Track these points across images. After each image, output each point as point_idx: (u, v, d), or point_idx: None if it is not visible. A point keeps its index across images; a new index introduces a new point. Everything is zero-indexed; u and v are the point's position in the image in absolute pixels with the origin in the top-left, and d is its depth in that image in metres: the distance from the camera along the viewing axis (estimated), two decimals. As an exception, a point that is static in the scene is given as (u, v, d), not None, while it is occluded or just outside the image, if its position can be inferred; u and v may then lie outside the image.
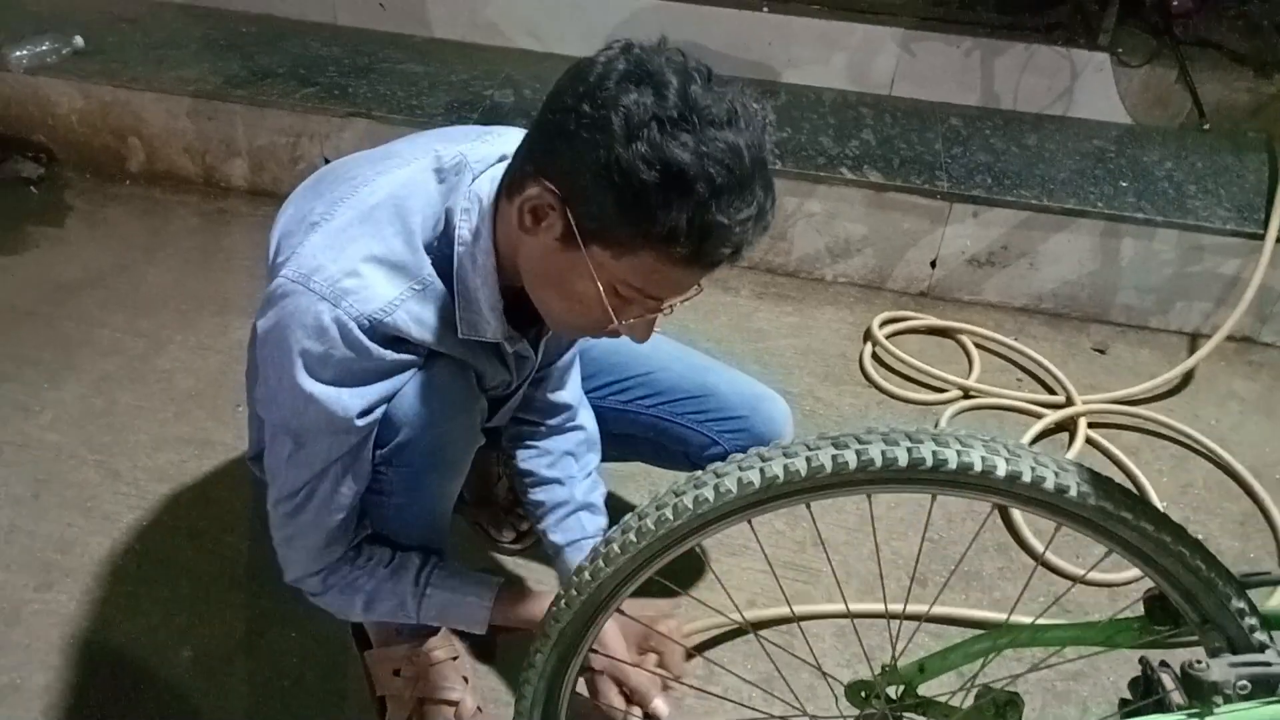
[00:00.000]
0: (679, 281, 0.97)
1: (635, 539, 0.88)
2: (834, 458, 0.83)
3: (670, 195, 0.86)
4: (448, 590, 1.23)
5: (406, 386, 1.08)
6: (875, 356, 2.18)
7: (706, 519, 0.87)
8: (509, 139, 1.11)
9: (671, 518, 0.86)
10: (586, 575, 0.91)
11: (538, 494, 1.40)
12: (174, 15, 2.90)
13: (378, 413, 1.07)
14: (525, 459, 1.41)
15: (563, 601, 0.93)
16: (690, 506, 0.86)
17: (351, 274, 1.00)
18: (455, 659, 1.36)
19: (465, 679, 1.36)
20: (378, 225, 1.03)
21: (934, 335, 2.27)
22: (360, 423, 1.05)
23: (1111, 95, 2.58)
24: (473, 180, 1.05)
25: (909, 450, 0.82)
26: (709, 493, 0.85)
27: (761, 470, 0.84)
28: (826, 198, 2.32)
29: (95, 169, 2.64)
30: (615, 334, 1.04)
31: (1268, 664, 0.82)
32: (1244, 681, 0.81)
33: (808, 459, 0.83)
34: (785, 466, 0.84)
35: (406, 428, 1.08)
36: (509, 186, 1.01)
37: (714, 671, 1.44)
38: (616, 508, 1.69)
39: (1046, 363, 2.15)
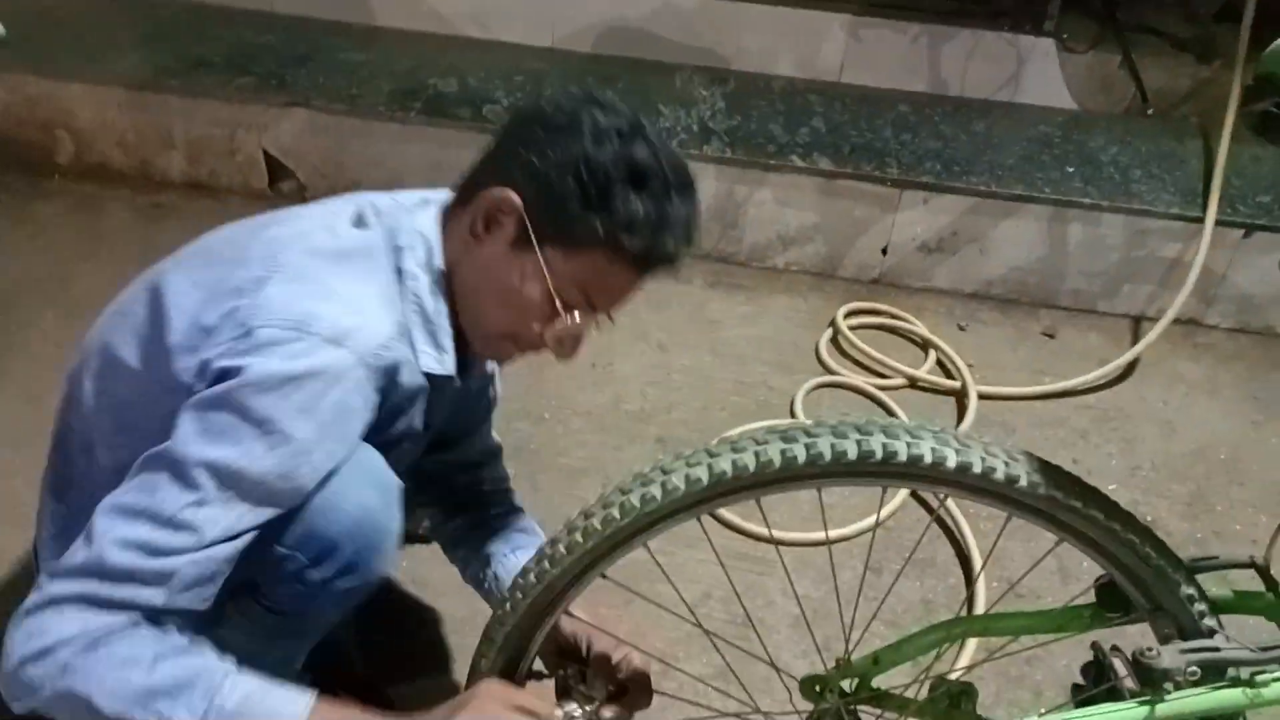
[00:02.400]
0: (622, 287, 1.01)
1: (581, 539, 0.86)
2: (783, 452, 0.81)
3: (631, 189, 0.95)
4: (260, 679, 0.89)
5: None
6: (834, 343, 2.18)
7: (655, 517, 0.85)
8: (416, 191, 1.09)
9: (618, 517, 0.84)
10: (532, 577, 0.88)
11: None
12: (101, 3, 2.80)
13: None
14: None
15: (507, 605, 0.90)
16: (637, 505, 0.84)
17: (352, 311, 0.93)
18: None
19: None
20: (342, 264, 0.96)
21: (884, 331, 2.27)
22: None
23: (1057, 81, 2.60)
24: (408, 217, 1.03)
25: (858, 443, 0.80)
26: (656, 490, 0.83)
27: (709, 466, 0.82)
28: (777, 185, 2.31)
29: (21, 164, 2.53)
30: (540, 346, 1.03)
31: (1216, 649, 0.82)
32: (1194, 667, 0.81)
33: (756, 454, 0.82)
34: (734, 462, 0.82)
35: (349, 541, 0.95)
36: (455, 204, 1.04)
37: (666, 669, 1.42)
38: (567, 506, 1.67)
39: (946, 346, 2.17)
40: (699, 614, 1.50)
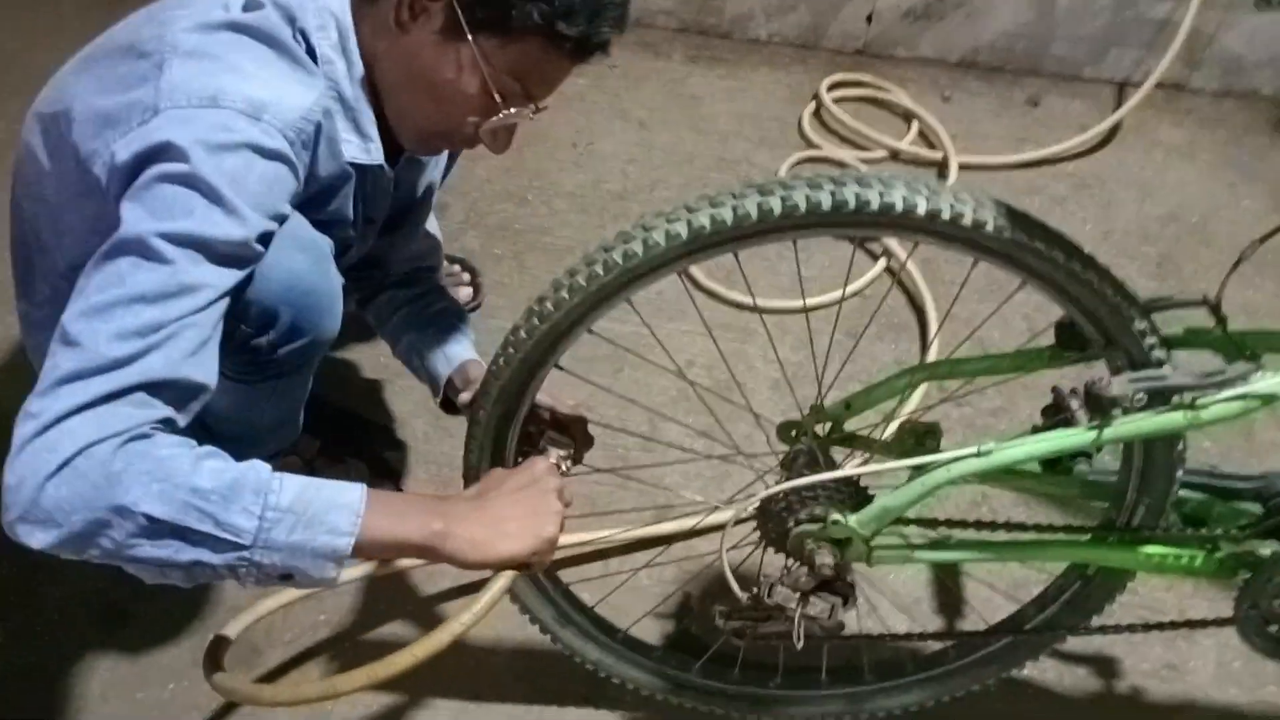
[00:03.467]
0: (556, 75, 1.00)
1: (568, 296, 0.89)
2: (759, 205, 0.84)
3: None
4: (310, 478, 0.84)
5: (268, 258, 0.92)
6: (817, 117, 2.15)
7: (637, 272, 0.88)
8: None
9: (602, 273, 0.88)
10: (523, 333, 0.93)
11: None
12: None
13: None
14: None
15: (501, 359, 0.95)
16: (620, 261, 0.87)
17: (263, 85, 0.90)
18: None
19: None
20: (243, 41, 0.92)
21: (868, 103, 2.23)
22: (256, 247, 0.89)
23: None
24: None
25: (832, 193, 0.83)
26: (637, 246, 0.86)
27: (689, 221, 0.85)
28: (759, -50, 2.21)
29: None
30: (474, 141, 1.02)
31: (1163, 378, 0.88)
32: (1141, 394, 0.87)
33: (734, 207, 0.84)
34: (712, 216, 0.84)
35: (285, 306, 0.97)
36: None
37: (657, 425, 1.51)
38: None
39: (929, 116, 2.15)
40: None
